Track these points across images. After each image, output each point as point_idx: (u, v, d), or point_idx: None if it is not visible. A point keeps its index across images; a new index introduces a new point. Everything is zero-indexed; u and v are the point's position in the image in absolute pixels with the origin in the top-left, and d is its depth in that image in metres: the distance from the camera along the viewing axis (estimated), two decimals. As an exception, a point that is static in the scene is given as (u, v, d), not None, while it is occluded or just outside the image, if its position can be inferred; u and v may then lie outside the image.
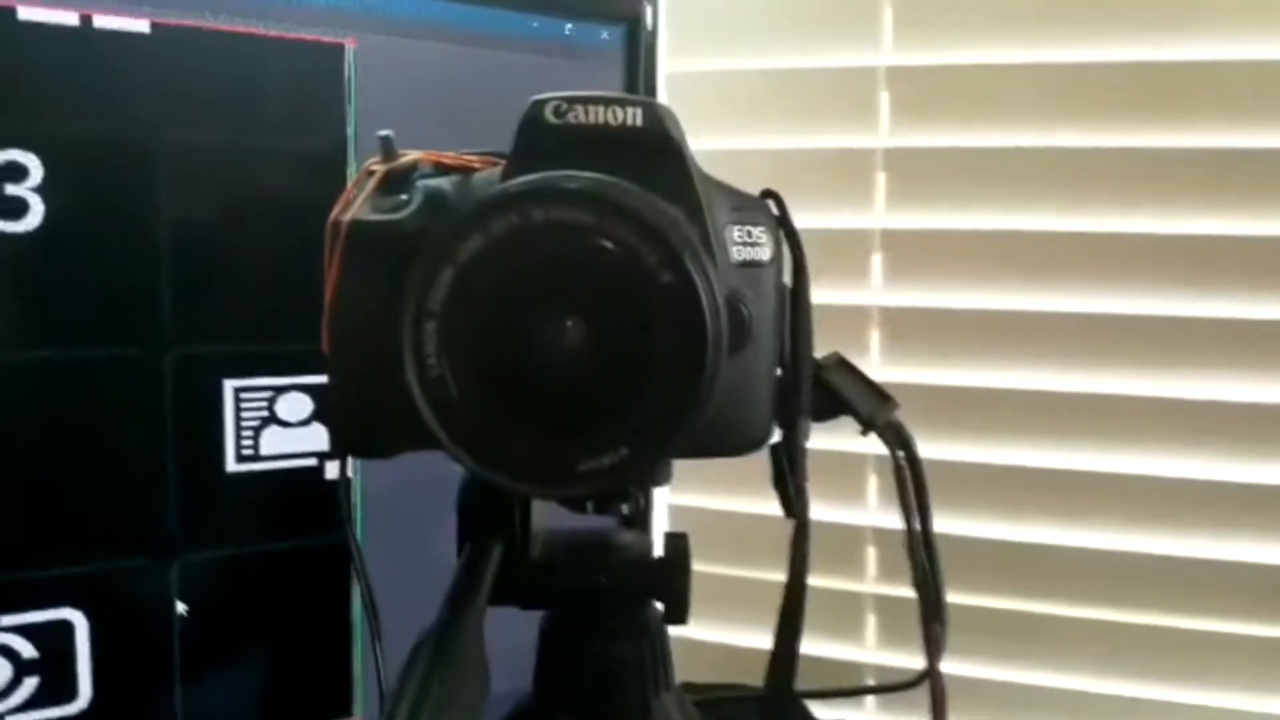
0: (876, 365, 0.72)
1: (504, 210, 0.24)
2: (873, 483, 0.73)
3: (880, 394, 0.37)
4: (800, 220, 0.34)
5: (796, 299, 0.34)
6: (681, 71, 0.73)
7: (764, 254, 0.33)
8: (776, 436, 0.35)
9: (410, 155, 0.32)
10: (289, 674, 0.57)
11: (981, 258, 0.69)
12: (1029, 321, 0.68)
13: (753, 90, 0.73)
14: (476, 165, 0.33)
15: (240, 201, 0.54)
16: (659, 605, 0.36)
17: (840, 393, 0.36)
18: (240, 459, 0.55)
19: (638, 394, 0.25)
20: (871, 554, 0.74)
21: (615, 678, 0.35)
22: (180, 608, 0.54)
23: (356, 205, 0.31)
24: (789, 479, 0.34)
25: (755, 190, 0.34)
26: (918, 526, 0.36)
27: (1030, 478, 0.68)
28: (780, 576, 0.72)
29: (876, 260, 0.72)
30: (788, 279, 0.35)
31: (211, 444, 0.54)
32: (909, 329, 0.71)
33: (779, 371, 0.34)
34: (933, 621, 0.35)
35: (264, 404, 0.55)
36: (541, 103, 0.29)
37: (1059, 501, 0.68)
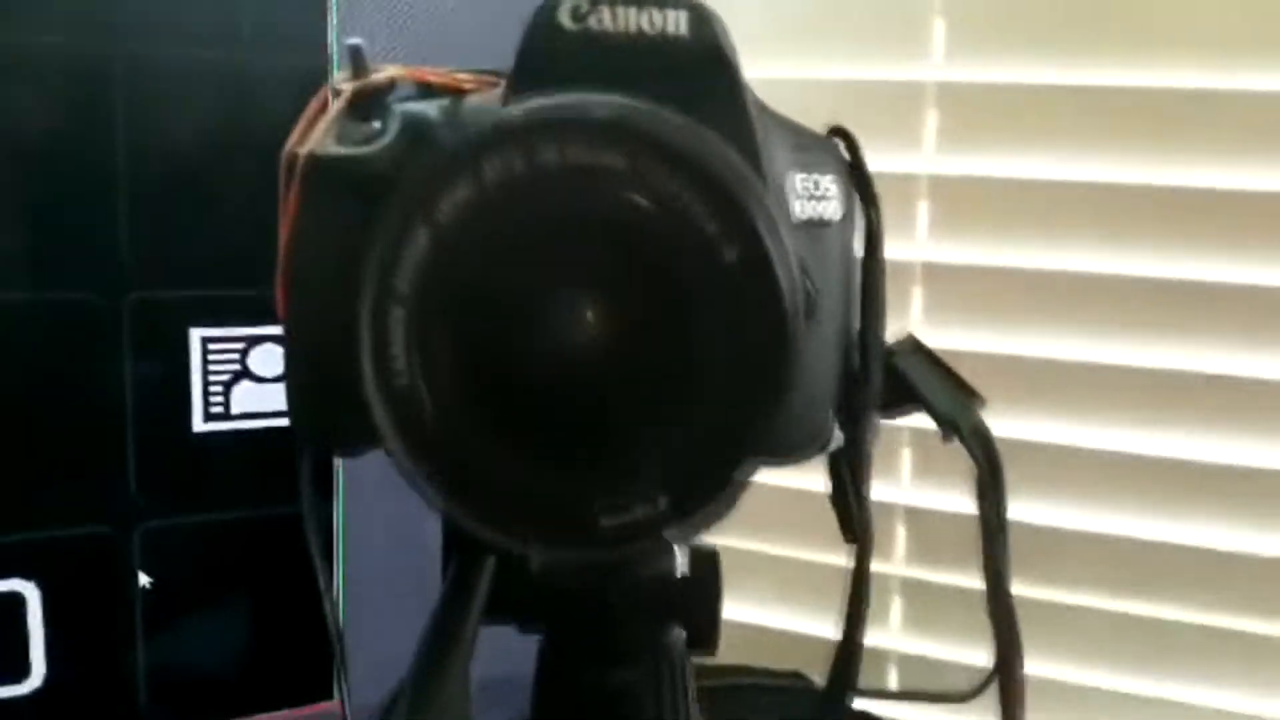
0: (917, 326, 0.65)
1: (503, 148, 0.17)
2: (906, 456, 0.67)
3: (964, 387, 0.30)
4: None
5: (869, 268, 0.27)
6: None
7: (832, 210, 0.26)
8: (837, 439, 0.28)
9: (386, 71, 0.25)
10: (263, 654, 0.51)
11: (1044, 210, 0.62)
12: (1092, 285, 0.61)
13: (789, 10, 0.65)
14: (469, 86, 0.26)
15: (208, 125, 0.48)
16: (680, 630, 0.30)
17: (915, 385, 0.29)
18: (209, 417, 0.49)
19: (682, 417, 0.18)
20: (901, 534, 0.68)
21: (626, 712, 0.29)
22: (143, 579, 0.48)
23: (317, 134, 0.24)
24: (850, 491, 0.28)
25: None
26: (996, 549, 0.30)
27: (1085, 458, 0.62)
28: (792, 552, 0.66)
29: (923, 209, 0.65)
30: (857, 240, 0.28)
31: (176, 400, 0.48)
32: (955, 287, 0.64)
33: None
34: (1014, 661, 0.30)
35: (236, 356, 0.49)
36: (554, 3, 0.22)
37: (1123, 486, 0.62)
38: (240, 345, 0.49)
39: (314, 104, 0.25)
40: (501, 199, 0.17)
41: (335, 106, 0.25)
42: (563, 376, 0.19)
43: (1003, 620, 0.31)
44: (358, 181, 0.24)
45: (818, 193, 0.26)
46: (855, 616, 0.28)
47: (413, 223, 0.17)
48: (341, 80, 0.25)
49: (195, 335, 0.48)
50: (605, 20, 0.22)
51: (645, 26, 0.22)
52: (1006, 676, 0.30)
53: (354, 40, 0.25)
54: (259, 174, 0.50)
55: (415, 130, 0.25)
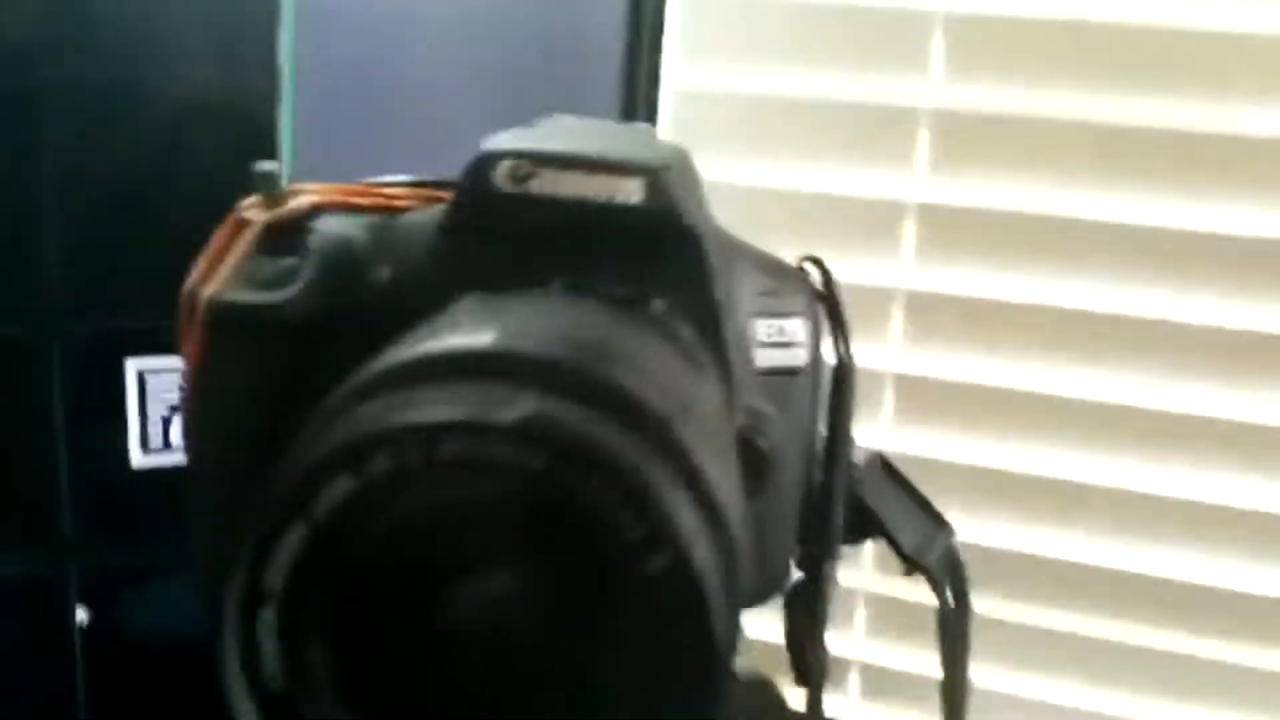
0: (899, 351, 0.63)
1: (395, 446, 0.14)
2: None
3: (932, 515, 0.29)
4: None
5: (836, 410, 0.25)
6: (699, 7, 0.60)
7: (798, 358, 0.24)
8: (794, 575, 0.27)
9: (306, 196, 0.23)
10: (210, 689, 0.50)
11: (1029, 244, 0.59)
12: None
13: (782, 28, 0.60)
14: (401, 204, 0.24)
15: (141, 147, 0.44)
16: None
17: (879, 516, 0.28)
18: (147, 450, 0.47)
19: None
20: (869, 548, 0.67)
21: None
22: (81, 615, 0.46)
23: (223, 273, 0.22)
24: (808, 636, 0.26)
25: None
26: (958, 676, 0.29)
27: (1058, 487, 0.61)
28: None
29: (909, 232, 0.62)
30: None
31: (111, 435, 0.45)
32: (938, 313, 0.62)
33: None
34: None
35: (175, 387, 0.46)
36: (492, 158, 0.19)
37: (1094, 514, 0.61)
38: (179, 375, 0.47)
39: (221, 233, 0.22)
40: (390, 493, 0.15)
41: (244, 240, 0.22)
42: (456, 678, 0.16)
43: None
44: (266, 332, 0.21)
45: (782, 340, 0.24)
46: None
47: (286, 520, 0.15)
48: (250, 206, 0.23)
49: (131, 367, 0.46)
50: (547, 186, 0.19)
51: (592, 195, 0.19)
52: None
53: (264, 165, 0.22)
54: (196, 197, 0.47)
55: (335, 264, 0.22)
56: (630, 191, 0.19)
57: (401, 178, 0.24)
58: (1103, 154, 0.57)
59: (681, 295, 0.20)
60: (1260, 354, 0.57)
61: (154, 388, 0.46)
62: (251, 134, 0.45)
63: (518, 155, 0.19)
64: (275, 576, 0.15)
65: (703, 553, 0.14)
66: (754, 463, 0.23)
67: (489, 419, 0.14)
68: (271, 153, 0.46)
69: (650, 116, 0.56)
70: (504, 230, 0.20)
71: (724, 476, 0.17)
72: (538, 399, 0.14)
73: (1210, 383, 0.57)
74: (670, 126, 0.59)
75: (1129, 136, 0.56)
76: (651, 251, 0.20)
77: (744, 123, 0.58)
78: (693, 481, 0.15)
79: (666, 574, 0.14)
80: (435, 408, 0.14)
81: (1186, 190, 0.56)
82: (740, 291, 0.23)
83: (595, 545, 0.14)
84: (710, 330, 0.21)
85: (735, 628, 0.15)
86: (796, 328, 0.24)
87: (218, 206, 0.46)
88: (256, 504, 0.15)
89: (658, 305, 0.20)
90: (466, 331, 0.16)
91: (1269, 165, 0.54)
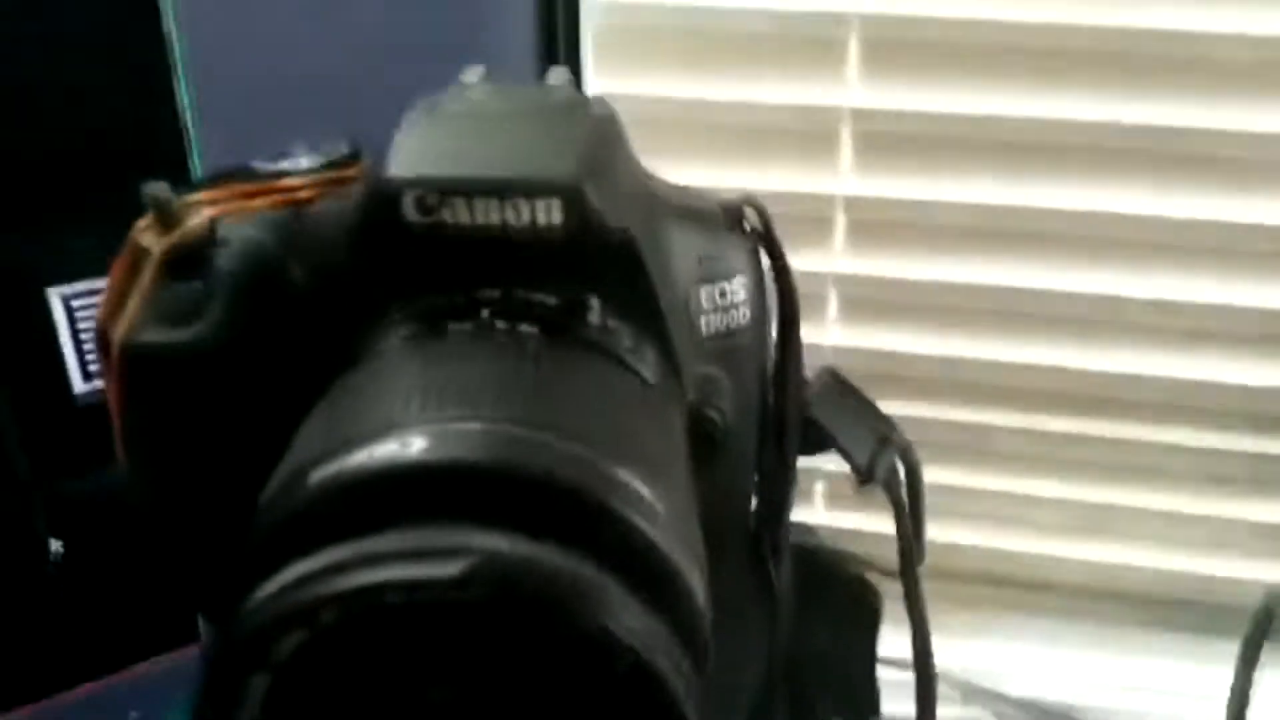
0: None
1: (343, 601, 0.14)
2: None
3: (883, 422, 0.29)
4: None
5: (784, 359, 0.25)
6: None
7: (742, 316, 0.23)
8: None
9: (201, 213, 0.21)
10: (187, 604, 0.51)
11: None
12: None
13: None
14: (306, 194, 0.22)
15: (28, 54, 0.40)
16: None
17: (831, 432, 0.28)
18: (89, 377, 0.45)
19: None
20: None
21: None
22: (55, 545, 0.47)
23: (130, 311, 0.20)
24: (769, 560, 0.27)
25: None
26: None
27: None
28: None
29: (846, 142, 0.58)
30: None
31: (50, 366, 0.44)
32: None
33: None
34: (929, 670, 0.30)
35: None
36: (396, 188, 0.18)
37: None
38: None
39: (120, 263, 0.21)
40: (344, 636, 0.15)
41: (147, 271, 0.20)
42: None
43: (923, 662, 0.31)
44: (186, 369, 0.20)
45: (725, 303, 0.23)
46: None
47: (245, 672, 0.14)
48: (146, 229, 0.21)
49: (54, 295, 0.44)
50: (461, 215, 0.18)
51: (511, 220, 0.18)
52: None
53: (153, 187, 0.20)
54: (96, 100, 0.43)
55: (245, 282, 0.21)
56: (549, 211, 0.18)
57: (302, 161, 0.22)
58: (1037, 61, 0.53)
59: (618, 294, 0.19)
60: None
61: (83, 313, 0.44)
62: (136, 26, 0.42)
63: (422, 184, 0.18)
64: (245, 716, 0.15)
65: (665, 660, 0.14)
66: (708, 435, 0.23)
67: (431, 576, 0.14)
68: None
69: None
70: (420, 253, 0.18)
71: (682, 529, 0.16)
72: (480, 533, 0.14)
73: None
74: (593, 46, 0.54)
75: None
76: (579, 263, 0.19)
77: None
78: (653, 578, 0.15)
79: (629, 674, 0.14)
80: (375, 569, 0.14)
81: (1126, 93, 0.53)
82: (679, 262, 0.22)
83: (553, 652, 0.14)
84: (651, 324, 0.20)
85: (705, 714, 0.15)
86: (738, 287, 0.23)
87: (117, 111, 0.42)
88: (214, 648, 0.15)
89: (595, 309, 0.19)
90: (399, 423, 0.15)
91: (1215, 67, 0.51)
